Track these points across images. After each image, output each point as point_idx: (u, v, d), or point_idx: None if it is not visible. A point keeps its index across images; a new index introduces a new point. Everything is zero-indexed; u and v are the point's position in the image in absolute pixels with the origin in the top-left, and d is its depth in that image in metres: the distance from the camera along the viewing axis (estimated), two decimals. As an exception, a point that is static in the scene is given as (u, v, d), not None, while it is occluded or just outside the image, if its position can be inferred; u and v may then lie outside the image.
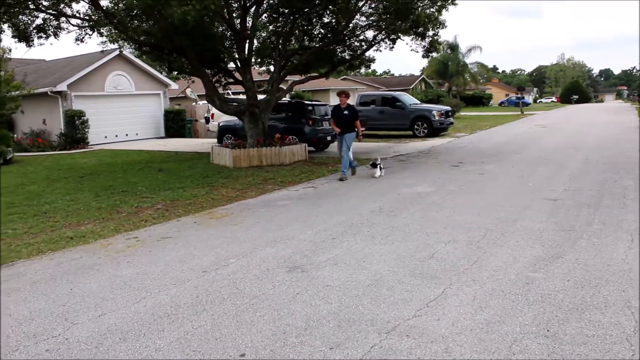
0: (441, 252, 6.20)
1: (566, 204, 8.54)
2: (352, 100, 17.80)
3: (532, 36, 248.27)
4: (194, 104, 29.70)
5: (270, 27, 17.60)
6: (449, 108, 26.24)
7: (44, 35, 14.58)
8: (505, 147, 17.91)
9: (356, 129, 12.61)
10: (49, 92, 23.20)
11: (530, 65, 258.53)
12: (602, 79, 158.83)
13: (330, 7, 16.39)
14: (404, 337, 4.09)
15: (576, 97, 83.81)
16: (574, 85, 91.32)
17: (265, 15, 17.14)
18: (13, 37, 14.10)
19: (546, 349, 3.82)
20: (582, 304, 4.58)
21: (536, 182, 10.75)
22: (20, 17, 13.82)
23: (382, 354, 3.85)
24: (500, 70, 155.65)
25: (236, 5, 16.18)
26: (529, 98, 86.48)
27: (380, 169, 12.32)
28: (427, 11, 15.59)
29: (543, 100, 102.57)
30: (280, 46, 16.95)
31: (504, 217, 7.84)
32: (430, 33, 16.41)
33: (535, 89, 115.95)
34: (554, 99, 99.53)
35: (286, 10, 16.47)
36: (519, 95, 56.34)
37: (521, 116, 39.52)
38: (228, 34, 16.69)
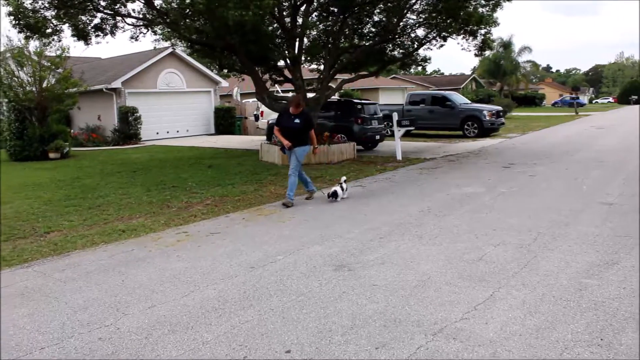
0: (490, 255, 6.09)
1: (622, 209, 8.25)
2: (400, 99, 17.65)
3: (588, 34, 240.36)
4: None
5: (321, 26, 17.64)
6: (500, 108, 25.79)
7: (101, 34, 15.05)
8: (559, 148, 17.44)
9: (310, 142, 9.83)
10: (104, 89, 23.90)
11: (586, 64, 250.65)
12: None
13: (380, 5, 16.30)
14: (450, 339, 4.03)
15: (635, 97, 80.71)
16: (633, 85, 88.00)
17: (315, 13, 17.19)
18: (72, 36, 14.59)
19: (599, 358, 3.70)
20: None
21: (591, 185, 10.44)
22: (80, 17, 14.29)
23: (428, 355, 3.80)
24: (554, 70, 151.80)
25: (287, 3, 16.29)
26: (584, 98, 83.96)
27: (344, 189, 9.75)
28: (480, 10, 15.33)
29: (599, 100, 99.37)
30: (330, 44, 16.97)
31: (556, 220, 7.64)
32: (482, 31, 16.15)
33: (591, 89, 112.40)
34: (610, 99, 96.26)
35: (336, 9, 16.48)
36: (573, 96, 54.88)
37: (575, 117, 38.45)
38: (278, 32, 16.81)
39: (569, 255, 6.00)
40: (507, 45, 56.94)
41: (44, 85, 18.46)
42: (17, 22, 13.23)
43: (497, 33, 73.07)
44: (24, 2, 13.20)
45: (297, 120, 9.58)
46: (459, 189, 10.49)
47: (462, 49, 16.77)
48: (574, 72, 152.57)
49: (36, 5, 13.40)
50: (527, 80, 64.16)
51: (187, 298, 5.02)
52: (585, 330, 4.11)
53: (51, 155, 18.12)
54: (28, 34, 13.92)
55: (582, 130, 25.81)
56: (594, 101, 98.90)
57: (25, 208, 9.63)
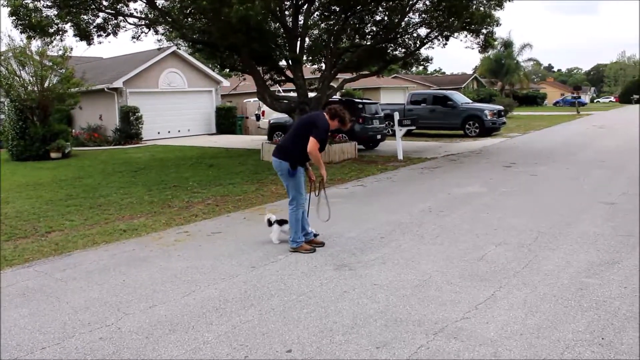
0: (491, 254, 6.08)
1: (624, 208, 8.23)
2: (402, 99, 17.64)
3: (589, 33, 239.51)
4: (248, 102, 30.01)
5: (322, 25, 17.62)
6: (501, 107, 25.76)
7: (104, 34, 15.05)
8: (560, 148, 17.42)
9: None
10: (105, 89, 23.92)
11: (587, 63, 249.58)
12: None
13: (382, 4, 16.29)
14: (451, 339, 4.03)
15: (637, 96, 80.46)
16: (635, 84, 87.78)
17: (317, 13, 17.18)
18: (74, 36, 14.59)
19: (600, 357, 3.69)
20: (640, 312, 4.41)
21: (592, 185, 10.42)
22: (82, 16, 14.30)
23: (429, 355, 3.80)
24: (555, 69, 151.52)
25: (288, 3, 16.28)
26: (585, 98, 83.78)
27: (271, 223, 6.96)
28: (482, 9, 15.31)
29: (601, 100, 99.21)
30: (331, 44, 16.95)
31: (558, 220, 7.63)
32: (485, 30, 16.15)
33: (592, 89, 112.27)
34: (612, 98, 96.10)
35: (338, 8, 16.47)
36: (574, 95, 54.65)
37: (577, 116, 38.36)
38: (280, 31, 16.81)
39: (570, 254, 6.00)
40: (508, 45, 56.82)
41: (46, 84, 18.48)
42: (18, 22, 13.20)
43: (499, 32, 72.77)
44: (24, 1, 13.16)
45: None
46: (460, 188, 10.48)
47: (466, 47, 16.91)
48: (575, 71, 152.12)
49: (37, 4, 13.39)
50: (529, 79, 64.05)
51: (188, 298, 5.03)
52: (587, 330, 4.11)
53: (53, 154, 18.13)
54: (30, 33, 13.90)
55: (584, 129, 25.79)
56: (595, 100, 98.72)
57: (26, 208, 9.64)
